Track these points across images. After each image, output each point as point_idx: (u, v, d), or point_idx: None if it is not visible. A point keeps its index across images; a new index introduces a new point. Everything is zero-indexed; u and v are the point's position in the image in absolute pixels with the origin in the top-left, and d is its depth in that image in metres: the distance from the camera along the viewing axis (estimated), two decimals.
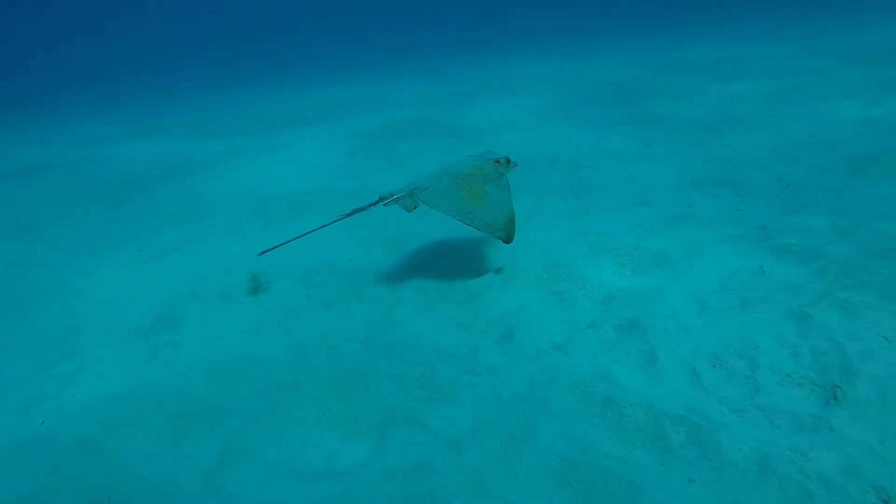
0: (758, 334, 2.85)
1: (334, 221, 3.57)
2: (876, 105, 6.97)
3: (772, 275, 3.30)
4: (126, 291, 4.58)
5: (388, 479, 2.42)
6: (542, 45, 24.84)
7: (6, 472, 2.75)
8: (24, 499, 2.56)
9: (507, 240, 3.42)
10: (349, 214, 3.57)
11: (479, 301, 3.62)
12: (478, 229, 3.42)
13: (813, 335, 2.77)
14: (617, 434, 2.46)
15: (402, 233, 5.01)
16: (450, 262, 4.23)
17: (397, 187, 3.89)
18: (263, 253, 3.45)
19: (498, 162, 3.65)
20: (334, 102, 14.48)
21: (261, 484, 2.51)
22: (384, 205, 3.59)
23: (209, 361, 3.40)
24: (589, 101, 9.99)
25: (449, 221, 5.01)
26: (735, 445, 2.30)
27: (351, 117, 11.45)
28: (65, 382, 3.44)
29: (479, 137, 8.35)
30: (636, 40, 21.07)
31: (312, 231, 3.63)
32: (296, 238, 3.57)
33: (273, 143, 9.77)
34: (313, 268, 4.55)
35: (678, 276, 3.50)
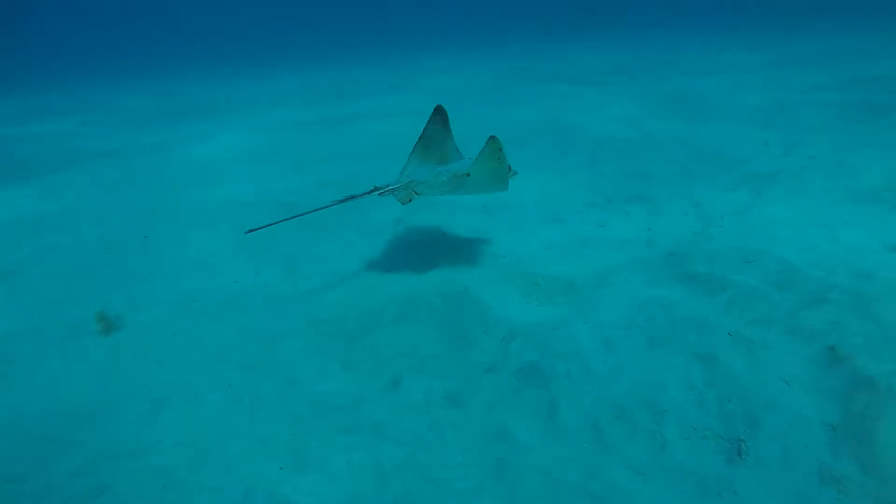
0: (665, 378, 2.64)
1: (325, 207, 3.47)
2: (772, 126, 7.21)
3: (680, 308, 3.12)
4: None
5: None
6: (465, 45, 24.74)
7: None
8: None
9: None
10: (343, 201, 3.50)
11: (371, 338, 3.22)
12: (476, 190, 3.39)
13: (719, 380, 2.59)
14: None
15: (298, 251, 4.51)
16: (347, 289, 3.80)
17: (392, 178, 3.79)
18: (251, 231, 3.37)
19: (499, 159, 3.39)
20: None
21: None
22: (379, 194, 3.54)
23: (31, 422, 2.78)
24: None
25: (352, 243, 4.59)
26: None
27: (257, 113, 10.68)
28: None
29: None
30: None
31: (302, 214, 3.53)
32: (285, 220, 3.48)
33: (167, 140, 8.89)
34: (189, 293, 3.98)
35: (586, 308, 3.26)
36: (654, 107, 8.92)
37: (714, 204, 4.74)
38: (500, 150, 3.04)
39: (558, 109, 9.29)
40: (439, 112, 3.86)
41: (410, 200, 3.52)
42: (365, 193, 3.52)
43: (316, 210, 3.51)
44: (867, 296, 2.98)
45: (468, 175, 3.31)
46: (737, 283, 3.23)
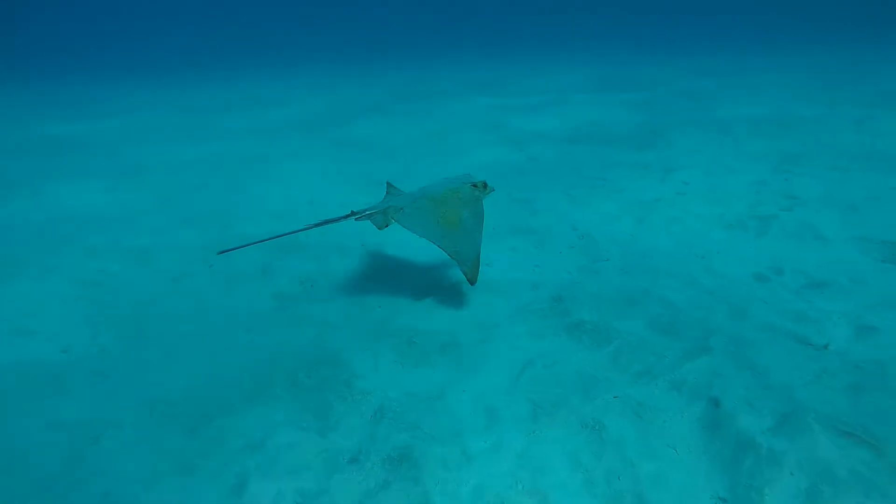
0: (550, 456, 2.36)
1: (299, 231, 3.42)
2: (651, 148, 7.47)
3: (566, 365, 2.89)
4: None
5: None
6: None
7: None
8: None
9: (472, 280, 3.30)
10: (318, 225, 3.44)
11: (217, 425, 2.67)
12: (449, 255, 3.31)
13: (607, 453, 2.35)
14: None
15: (145, 311, 3.82)
16: (200, 357, 3.21)
17: (371, 203, 3.75)
18: (223, 252, 3.33)
19: (475, 186, 3.54)
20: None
21: None
22: (356, 219, 3.47)
23: None
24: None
25: (209, 298, 3.98)
26: None
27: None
28: None
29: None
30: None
31: (279, 236, 3.51)
32: (260, 241, 3.43)
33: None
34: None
35: (467, 369, 2.94)
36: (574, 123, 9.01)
37: (599, 234, 4.67)
38: (478, 259, 3.29)
39: (437, 136, 9.12)
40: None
41: (388, 225, 3.44)
42: (342, 218, 3.45)
43: (288, 234, 3.49)
44: (744, 340, 2.93)
45: (445, 198, 3.41)
46: (622, 331, 3.07)
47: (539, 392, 2.70)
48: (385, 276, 4.12)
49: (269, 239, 3.47)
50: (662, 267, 3.98)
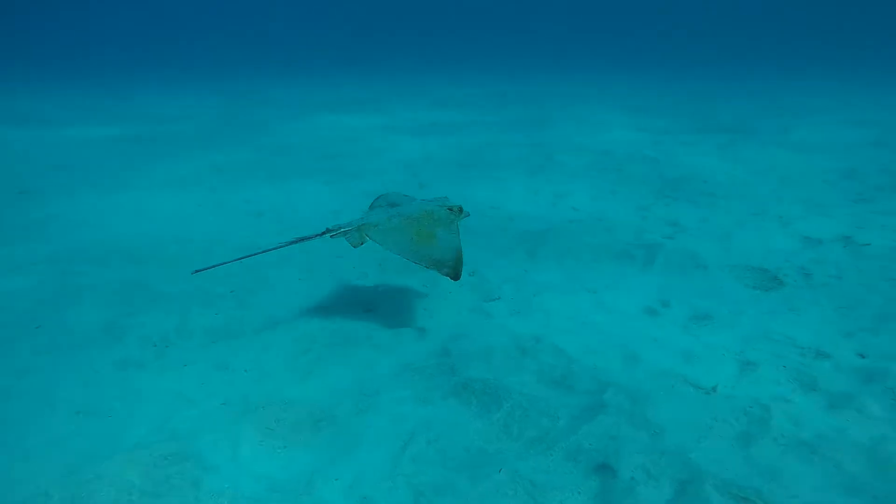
0: None
1: (274, 249, 3.39)
2: (539, 173, 7.54)
3: (452, 437, 2.58)
4: None
5: None
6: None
7: None
8: None
9: (455, 276, 3.19)
10: (293, 242, 3.33)
11: None
12: (425, 266, 3.24)
13: None
14: None
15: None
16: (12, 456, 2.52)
17: (346, 220, 3.72)
18: (198, 272, 3.24)
19: (451, 210, 3.56)
20: None
21: None
22: (331, 236, 3.45)
23: None
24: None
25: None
26: None
27: None
28: None
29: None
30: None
31: (252, 255, 3.40)
32: (235, 260, 3.37)
33: None
34: None
35: (341, 449, 2.52)
36: (432, 148, 8.83)
37: (491, 271, 4.47)
38: (460, 256, 3.24)
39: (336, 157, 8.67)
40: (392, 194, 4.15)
41: (363, 243, 3.41)
42: (317, 235, 3.41)
43: (264, 252, 3.39)
44: (638, 393, 2.79)
45: (420, 218, 3.41)
46: (513, 390, 2.82)
47: (423, 475, 2.35)
48: (254, 330, 3.61)
49: (248, 256, 3.39)
50: (555, 307, 3.84)
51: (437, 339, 3.40)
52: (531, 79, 20.19)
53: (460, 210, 3.61)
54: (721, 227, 5.30)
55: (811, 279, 4.23)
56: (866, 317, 3.69)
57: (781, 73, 20.88)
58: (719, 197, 6.27)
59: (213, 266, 3.25)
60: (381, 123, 11.88)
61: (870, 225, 5.29)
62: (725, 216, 5.64)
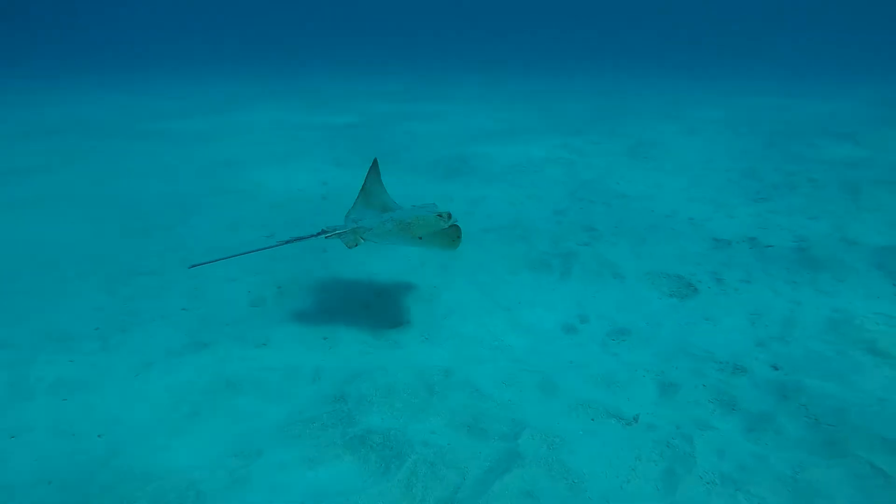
0: None
1: (273, 247, 3.57)
2: (454, 177, 7.24)
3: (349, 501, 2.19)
4: None
5: None
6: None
7: None
8: None
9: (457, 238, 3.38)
10: (289, 241, 3.45)
11: None
12: (427, 247, 3.55)
13: None
14: None
15: None
16: None
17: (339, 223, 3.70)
18: (194, 266, 3.30)
19: (440, 216, 3.59)
20: None
21: None
22: (326, 237, 3.50)
23: None
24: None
25: None
26: None
27: None
28: None
29: None
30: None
31: (249, 252, 3.44)
32: (232, 256, 3.46)
33: None
34: None
35: None
36: (344, 153, 8.33)
37: (399, 292, 4.10)
38: (457, 237, 3.38)
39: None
40: (375, 165, 4.09)
41: (357, 245, 3.50)
42: (312, 236, 3.50)
43: (260, 249, 3.54)
44: (556, 435, 2.52)
45: (412, 223, 3.48)
46: (418, 440, 2.46)
47: None
48: (118, 379, 3.03)
49: (243, 254, 3.43)
50: (468, 331, 3.54)
51: (335, 380, 2.98)
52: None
53: (449, 216, 3.68)
54: (635, 231, 5.23)
55: (723, 284, 4.20)
56: (775, 323, 3.67)
57: (690, 74, 21.92)
58: (632, 199, 6.25)
59: (211, 261, 3.35)
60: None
61: (770, 225, 5.41)
62: (639, 219, 5.60)
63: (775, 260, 4.60)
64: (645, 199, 6.26)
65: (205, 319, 3.75)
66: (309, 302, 3.99)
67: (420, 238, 3.45)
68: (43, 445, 2.53)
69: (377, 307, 3.89)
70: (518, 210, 5.88)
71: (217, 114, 12.02)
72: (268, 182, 6.80)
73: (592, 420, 2.70)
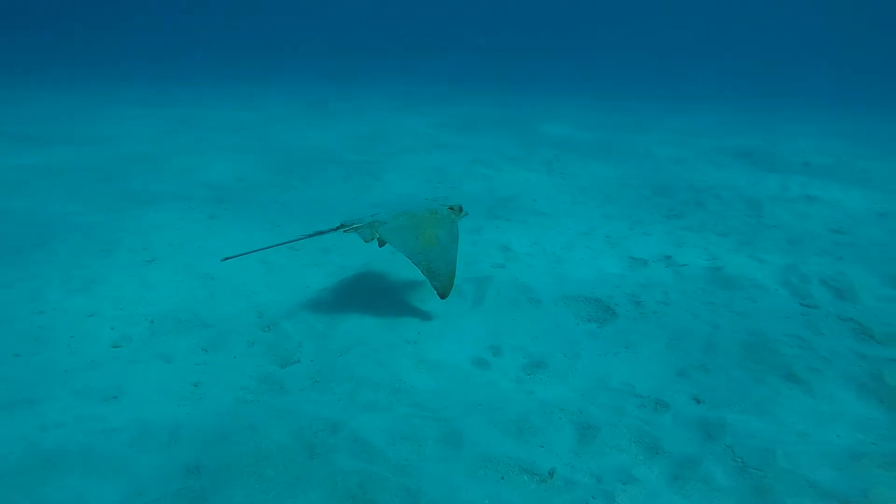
0: None
1: (294, 241, 3.62)
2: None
3: None
4: None
5: None
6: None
7: None
8: None
9: (443, 294, 3.42)
10: (310, 236, 3.61)
11: None
12: (422, 272, 3.44)
13: None
14: None
15: None
16: None
17: (358, 216, 3.72)
18: (227, 259, 3.43)
19: (452, 209, 3.73)
20: None
21: None
22: (344, 231, 3.56)
23: None
24: None
25: None
26: None
27: None
28: None
29: None
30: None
31: (274, 246, 3.65)
32: (260, 249, 3.59)
33: None
34: None
35: None
36: (258, 161, 7.65)
37: (291, 324, 3.57)
38: (452, 276, 3.44)
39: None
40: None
41: (373, 239, 3.54)
42: (332, 230, 3.57)
43: (284, 244, 3.62)
44: None
45: (424, 217, 3.62)
46: None
47: None
48: None
49: (270, 247, 3.60)
50: (365, 368, 3.07)
51: (193, 443, 2.42)
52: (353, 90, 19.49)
53: (460, 209, 3.78)
54: (552, 251, 5.00)
55: (642, 307, 4.00)
56: (695, 349, 3.48)
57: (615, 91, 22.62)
58: (548, 216, 6.06)
59: (243, 254, 3.45)
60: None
61: (684, 243, 5.36)
62: (556, 237, 5.38)
63: (690, 280, 4.49)
64: (562, 216, 6.08)
65: (42, 368, 3.04)
66: (184, 339, 3.38)
67: (435, 238, 3.50)
68: None
69: (265, 343, 3.34)
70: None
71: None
72: None
73: (502, 479, 2.32)
